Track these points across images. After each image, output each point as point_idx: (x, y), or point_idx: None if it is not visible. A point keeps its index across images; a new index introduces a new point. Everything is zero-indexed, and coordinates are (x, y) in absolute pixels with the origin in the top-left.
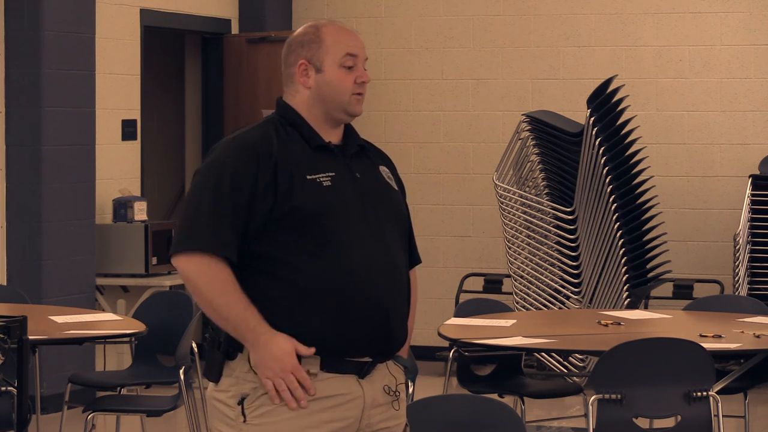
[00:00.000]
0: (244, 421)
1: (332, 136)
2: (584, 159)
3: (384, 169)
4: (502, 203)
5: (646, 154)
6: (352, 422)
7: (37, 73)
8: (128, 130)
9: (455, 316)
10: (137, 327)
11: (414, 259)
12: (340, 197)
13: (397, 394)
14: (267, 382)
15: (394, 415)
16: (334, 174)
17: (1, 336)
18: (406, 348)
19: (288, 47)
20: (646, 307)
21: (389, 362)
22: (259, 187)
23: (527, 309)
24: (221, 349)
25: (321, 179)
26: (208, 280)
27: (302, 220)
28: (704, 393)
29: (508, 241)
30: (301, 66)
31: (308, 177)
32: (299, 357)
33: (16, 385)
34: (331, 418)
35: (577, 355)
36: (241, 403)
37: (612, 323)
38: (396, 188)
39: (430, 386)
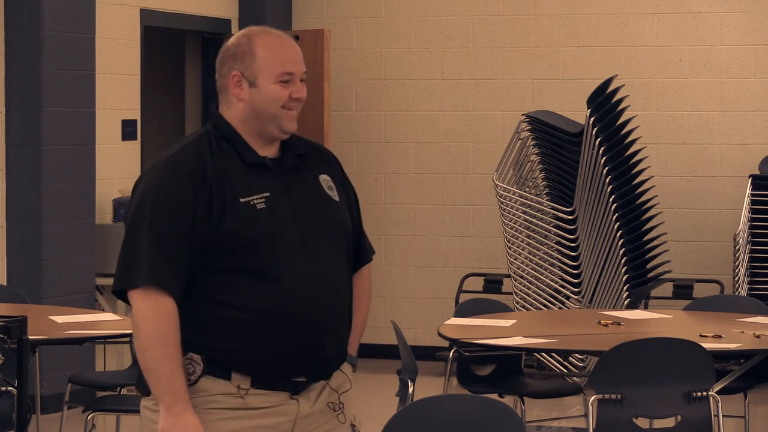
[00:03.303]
0: None
1: (268, 150)
2: (584, 159)
3: (324, 178)
4: (502, 203)
5: (646, 154)
6: (285, 426)
7: (37, 73)
8: (128, 130)
9: (455, 316)
10: None
11: (363, 259)
12: (274, 220)
13: (341, 406)
14: None
15: (336, 425)
16: (268, 194)
17: (1, 336)
18: (354, 344)
19: (221, 57)
20: (646, 307)
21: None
22: (197, 213)
23: (527, 309)
24: None
25: (255, 201)
26: (155, 324)
27: (235, 246)
28: (704, 393)
29: (508, 241)
30: (234, 77)
31: (241, 200)
32: (229, 374)
33: (16, 385)
34: (261, 424)
35: (577, 355)
36: None
37: (612, 323)
38: (336, 199)
39: (430, 386)
